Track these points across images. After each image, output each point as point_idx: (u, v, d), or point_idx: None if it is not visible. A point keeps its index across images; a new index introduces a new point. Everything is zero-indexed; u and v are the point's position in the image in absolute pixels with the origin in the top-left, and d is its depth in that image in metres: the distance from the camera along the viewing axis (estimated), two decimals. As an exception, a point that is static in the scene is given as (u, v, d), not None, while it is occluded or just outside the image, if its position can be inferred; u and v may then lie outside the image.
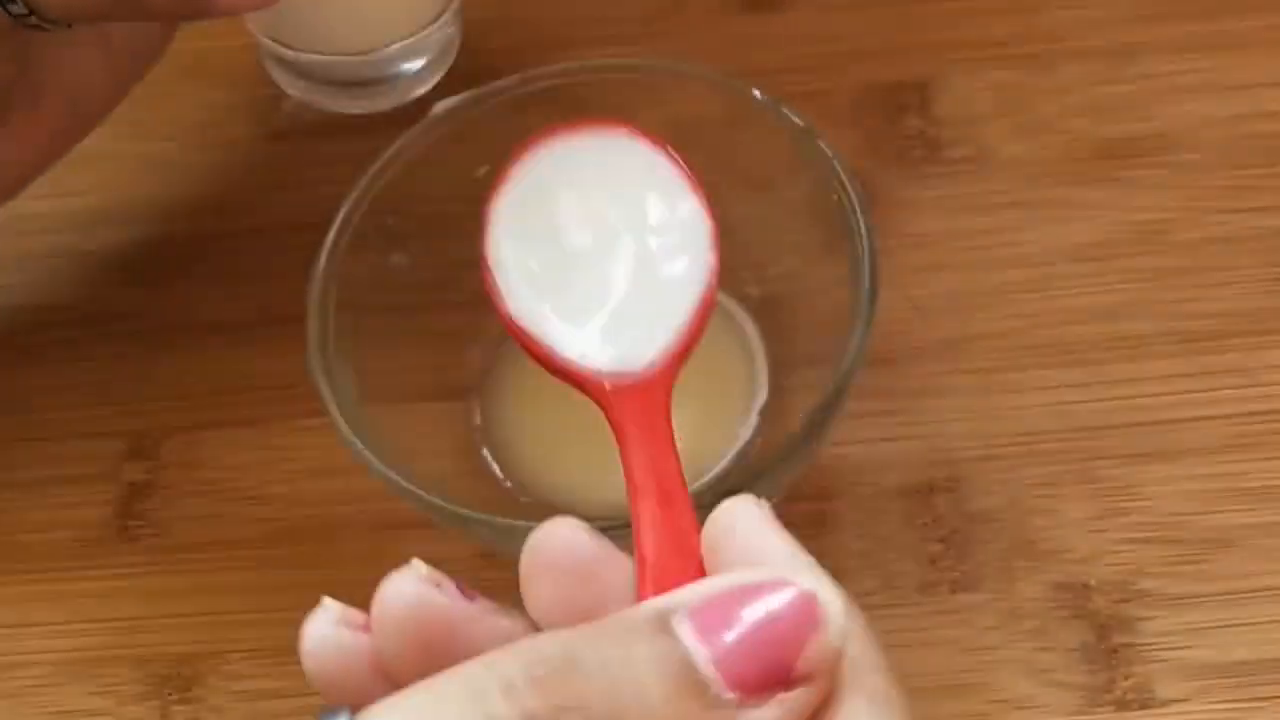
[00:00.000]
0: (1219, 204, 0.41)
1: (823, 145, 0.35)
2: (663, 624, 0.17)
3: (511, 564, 0.33)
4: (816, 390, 0.35)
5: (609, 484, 0.37)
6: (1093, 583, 0.36)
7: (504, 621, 0.21)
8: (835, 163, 0.34)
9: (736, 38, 0.46)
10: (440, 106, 0.36)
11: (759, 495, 0.33)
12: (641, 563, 0.22)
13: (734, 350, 0.39)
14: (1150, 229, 0.41)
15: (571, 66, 0.37)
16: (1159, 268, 0.41)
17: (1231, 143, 0.42)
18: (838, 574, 0.36)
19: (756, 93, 0.36)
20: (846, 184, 0.34)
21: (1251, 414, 0.38)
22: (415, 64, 0.36)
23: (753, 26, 0.46)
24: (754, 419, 0.38)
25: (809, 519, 0.34)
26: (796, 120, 0.35)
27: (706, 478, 0.36)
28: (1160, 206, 0.42)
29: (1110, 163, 0.42)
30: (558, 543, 0.22)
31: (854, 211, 0.34)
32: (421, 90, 0.36)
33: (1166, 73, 0.44)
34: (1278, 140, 0.42)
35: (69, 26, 0.33)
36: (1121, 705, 0.34)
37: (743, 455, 0.37)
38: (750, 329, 0.39)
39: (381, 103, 0.36)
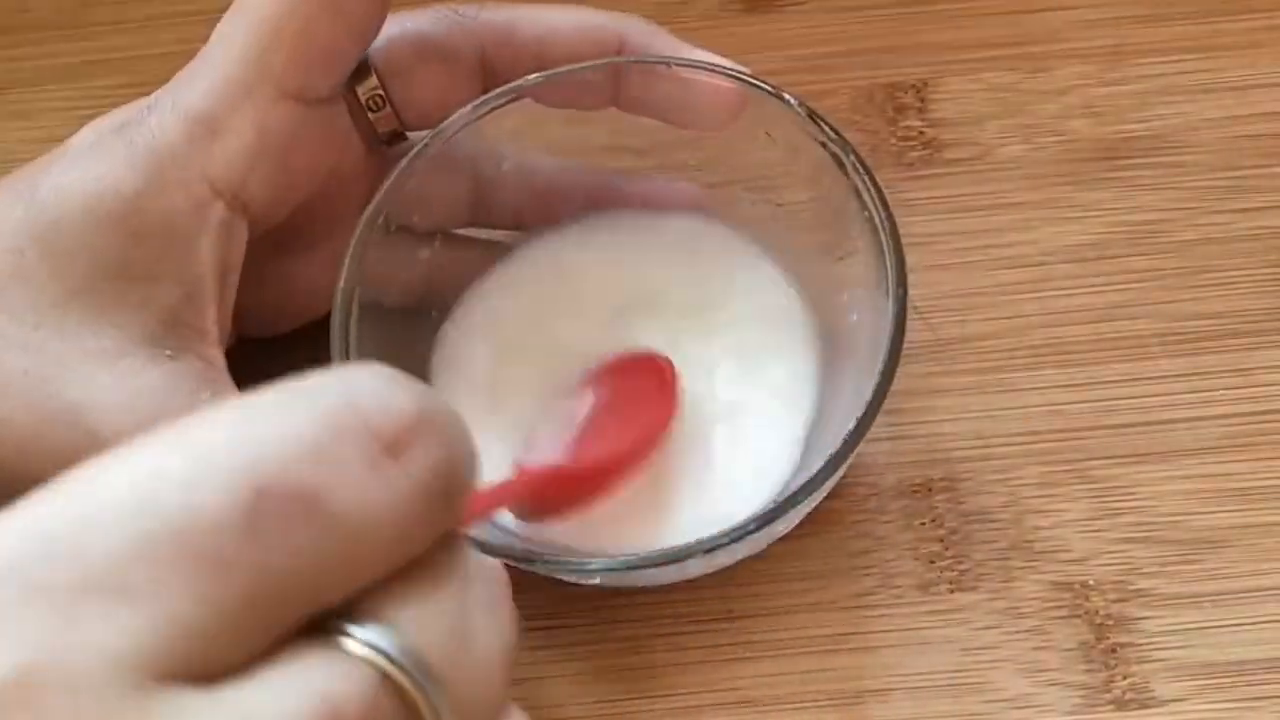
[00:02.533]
0: (1216, 204, 0.42)
1: (848, 156, 0.35)
2: None
3: (511, 564, 0.33)
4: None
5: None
6: (1090, 582, 0.36)
7: None
8: (864, 176, 0.34)
9: (736, 39, 0.46)
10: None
11: (780, 527, 0.32)
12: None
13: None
14: (1147, 229, 0.41)
15: (571, 67, 0.37)
16: (1156, 268, 0.41)
17: (1228, 143, 0.43)
18: (837, 574, 0.37)
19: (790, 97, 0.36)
20: (875, 197, 0.34)
21: (1248, 414, 0.38)
22: None
23: (752, 27, 0.46)
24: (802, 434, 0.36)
25: (809, 519, 0.34)
26: (824, 127, 0.35)
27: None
28: (1157, 207, 0.42)
29: (1107, 163, 0.43)
30: None
31: (884, 226, 0.34)
32: None
33: (1163, 74, 0.44)
34: (1274, 140, 0.43)
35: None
36: (1119, 704, 0.35)
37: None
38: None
39: None
